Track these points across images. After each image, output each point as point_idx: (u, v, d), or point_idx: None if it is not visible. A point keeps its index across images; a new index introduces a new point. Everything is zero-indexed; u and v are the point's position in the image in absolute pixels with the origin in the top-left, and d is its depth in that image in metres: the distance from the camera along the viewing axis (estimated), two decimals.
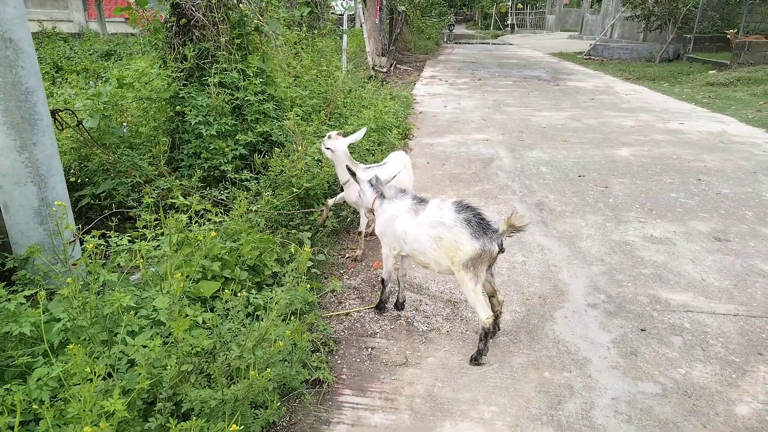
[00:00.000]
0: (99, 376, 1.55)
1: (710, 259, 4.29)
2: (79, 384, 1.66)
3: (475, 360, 3.01)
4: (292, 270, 2.35)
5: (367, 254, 4.41)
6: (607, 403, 2.72)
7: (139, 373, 1.82)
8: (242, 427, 1.59)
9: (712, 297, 3.74)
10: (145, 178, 4.51)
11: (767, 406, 2.70)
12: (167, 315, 1.95)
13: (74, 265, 3.57)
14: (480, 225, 2.84)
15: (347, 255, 4.37)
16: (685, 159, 7.15)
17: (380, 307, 3.53)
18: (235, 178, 4.77)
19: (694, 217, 5.16)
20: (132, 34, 21.80)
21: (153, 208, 4.22)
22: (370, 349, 3.16)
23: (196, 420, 1.69)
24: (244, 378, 1.83)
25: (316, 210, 4.66)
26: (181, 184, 4.47)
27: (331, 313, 3.51)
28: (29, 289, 2.62)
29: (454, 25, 40.73)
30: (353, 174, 3.46)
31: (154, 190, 4.41)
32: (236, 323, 2.24)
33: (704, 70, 16.11)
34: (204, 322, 2.24)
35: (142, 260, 2.46)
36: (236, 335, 2.16)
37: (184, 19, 5.04)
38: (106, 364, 1.79)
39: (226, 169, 4.80)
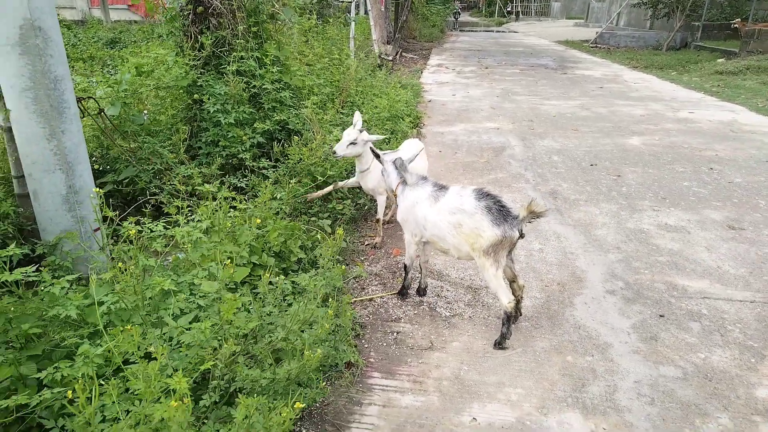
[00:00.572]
0: (163, 354, 1.61)
1: (725, 247, 4.34)
2: (134, 362, 1.73)
3: (499, 344, 3.08)
4: (329, 252, 2.41)
5: (386, 241, 4.47)
6: (630, 386, 2.79)
7: (186, 354, 1.89)
8: (304, 404, 1.65)
9: (729, 284, 3.80)
10: (165, 165, 4.57)
11: None
12: (214, 298, 2.00)
13: (95, 231, 3.65)
14: (500, 212, 2.88)
15: (366, 242, 4.43)
16: (696, 148, 7.17)
17: (403, 293, 3.59)
18: (254, 166, 4.81)
19: (707, 205, 5.21)
20: (135, 22, 21.76)
21: (179, 195, 4.28)
22: (395, 334, 3.23)
23: (246, 398, 1.75)
24: (292, 358, 1.90)
25: (334, 198, 4.71)
26: (200, 172, 4.52)
27: (354, 299, 3.57)
28: (65, 274, 2.69)
29: (459, 13, 39.78)
30: (377, 156, 3.49)
31: (175, 177, 4.47)
32: (273, 306, 2.30)
33: (712, 59, 16.03)
34: (245, 305, 2.30)
35: (179, 244, 2.52)
36: (276, 317, 2.22)
37: (201, 7, 5.05)
38: (162, 344, 1.86)
39: (244, 157, 4.84)
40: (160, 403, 1.52)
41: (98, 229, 3.60)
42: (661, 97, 10.98)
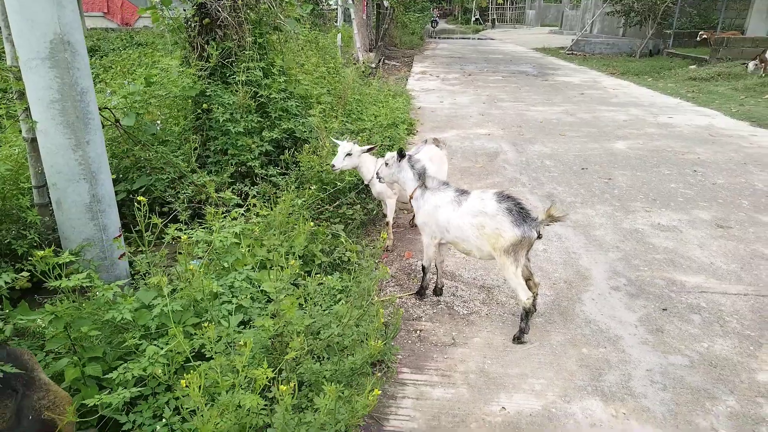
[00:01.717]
0: (249, 348, 1.73)
1: (716, 245, 4.62)
2: (209, 359, 1.84)
3: (518, 339, 3.26)
4: (370, 255, 2.55)
5: (396, 245, 4.62)
6: (643, 374, 3.00)
7: (251, 352, 2.01)
8: (373, 394, 1.78)
9: (722, 279, 4.06)
10: (178, 174, 4.65)
11: None
12: (263, 300, 2.12)
13: (120, 258, 3.73)
14: (520, 214, 3.06)
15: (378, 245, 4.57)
16: (679, 151, 7.52)
17: (421, 293, 3.75)
18: (263, 173, 4.92)
19: (695, 206, 5.50)
20: (112, 29, 21.55)
21: (193, 203, 4.37)
22: (418, 332, 3.38)
23: (308, 389, 1.88)
24: (350, 352, 2.03)
25: (344, 203, 4.85)
26: (212, 180, 4.61)
27: (380, 299, 3.71)
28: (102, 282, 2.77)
29: (437, 22, 39.91)
30: (403, 156, 3.57)
31: (189, 186, 4.56)
32: (323, 305, 2.44)
33: (684, 65, 16.66)
34: (300, 305, 2.43)
35: (215, 249, 2.63)
36: (324, 315, 2.35)
37: (207, 19, 5.16)
38: (223, 343, 1.97)
39: (253, 165, 4.95)
40: (243, 393, 1.64)
41: (120, 235, 3.68)
42: (641, 102, 11.40)
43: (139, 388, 1.97)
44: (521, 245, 3.09)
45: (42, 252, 2.22)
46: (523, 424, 2.62)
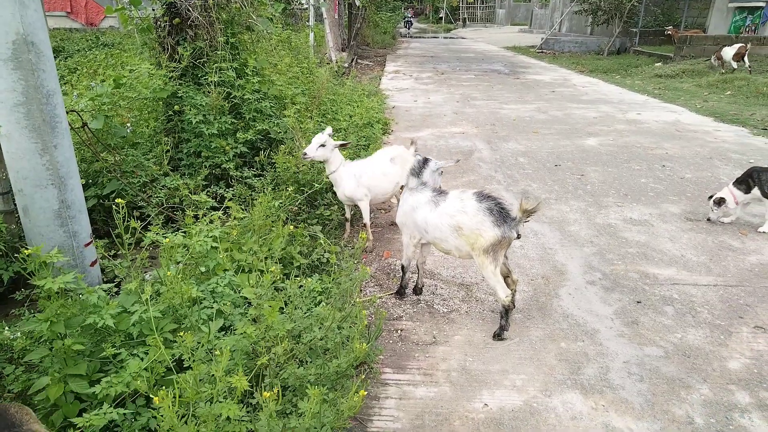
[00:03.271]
0: (226, 357, 1.69)
1: (685, 238, 4.74)
2: (188, 367, 1.80)
3: (498, 336, 3.28)
4: (349, 256, 2.53)
5: (375, 245, 4.61)
6: (620, 366, 3.06)
7: (231, 358, 1.98)
8: (359, 395, 1.77)
9: (693, 270, 4.17)
10: (150, 177, 4.55)
11: (753, 361, 3.10)
12: (243, 305, 2.09)
13: (92, 265, 3.63)
14: (501, 213, 3.07)
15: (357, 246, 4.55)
16: (647, 147, 7.70)
17: (400, 293, 3.75)
18: (238, 175, 4.85)
19: (665, 200, 5.64)
20: (76, 30, 20.98)
21: (165, 207, 4.28)
22: (399, 331, 3.38)
23: (292, 393, 1.86)
24: (333, 356, 2.01)
25: (321, 204, 4.82)
26: (185, 183, 4.53)
27: (359, 300, 3.69)
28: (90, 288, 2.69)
29: (411, 22, 37.51)
30: (426, 160, 3.53)
31: (161, 189, 4.46)
32: (303, 308, 2.41)
33: (650, 63, 17.09)
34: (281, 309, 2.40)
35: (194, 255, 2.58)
36: (306, 319, 2.33)
37: (177, 19, 5.06)
38: (203, 349, 1.93)
39: (227, 167, 4.88)
40: (220, 402, 1.61)
41: (91, 242, 3.58)
42: (610, 99, 11.65)
43: (124, 410, 1.92)
44: (501, 245, 3.11)
45: (29, 249, 2.16)
46: (506, 420, 2.64)
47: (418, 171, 3.47)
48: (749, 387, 2.88)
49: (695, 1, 21.36)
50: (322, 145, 4.19)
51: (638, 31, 20.95)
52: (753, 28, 17.50)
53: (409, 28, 36.74)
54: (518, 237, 3.13)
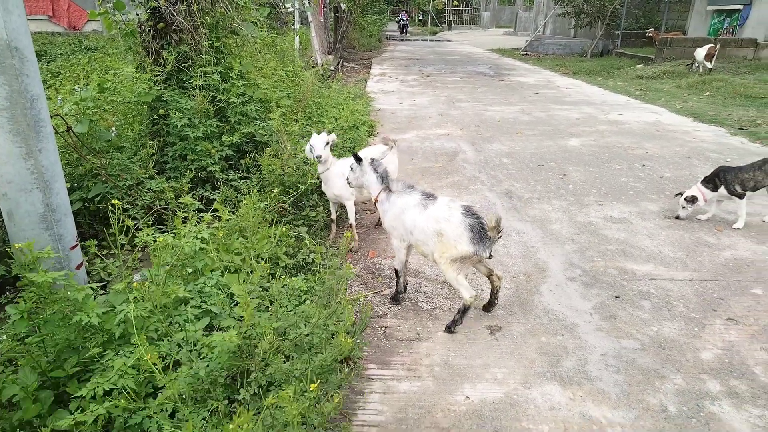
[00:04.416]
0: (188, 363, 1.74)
1: (663, 235, 4.87)
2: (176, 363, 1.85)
3: (449, 329, 3.39)
4: (334, 255, 2.59)
5: (361, 245, 4.67)
6: (598, 358, 3.15)
7: (216, 358, 2.03)
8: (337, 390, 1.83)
9: (670, 266, 4.29)
10: (135, 181, 4.57)
11: (725, 351, 3.21)
12: (243, 301, 2.12)
13: (78, 268, 3.65)
14: (480, 233, 3.13)
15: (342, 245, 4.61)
16: (628, 147, 7.86)
17: (396, 299, 3.76)
18: (224, 178, 4.89)
19: (644, 198, 5.78)
20: (59, 33, 20.80)
21: (151, 211, 4.31)
22: (383, 328, 3.45)
23: (278, 388, 1.92)
24: (317, 351, 2.07)
25: (307, 205, 4.87)
26: (171, 186, 4.56)
27: (346, 298, 3.75)
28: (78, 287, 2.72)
29: (407, 25, 36.97)
30: (359, 160, 3.61)
31: (146, 192, 4.49)
32: (288, 307, 2.47)
33: (632, 64, 17.37)
34: (264, 305, 2.45)
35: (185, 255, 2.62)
36: (291, 316, 2.38)
37: (162, 23, 5.09)
38: (186, 349, 1.98)
39: (213, 169, 4.91)
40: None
41: (76, 245, 3.60)
42: (592, 101, 11.83)
43: (115, 402, 1.95)
44: (470, 260, 3.21)
45: (22, 244, 2.20)
46: (487, 411, 2.72)
47: (383, 175, 3.54)
48: (720, 376, 2.99)
49: (675, 4, 21.76)
50: (327, 143, 4.25)
51: (620, 33, 21.29)
52: (731, 30, 17.88)
53: (404, 32, 36.05)
54: (490, 257, 3.20)
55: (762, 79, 12.99)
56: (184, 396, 1.94)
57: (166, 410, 2.01)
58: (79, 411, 1.90)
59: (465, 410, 2.73)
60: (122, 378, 2.04)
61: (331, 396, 1.82)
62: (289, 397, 1.66)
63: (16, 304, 2.39)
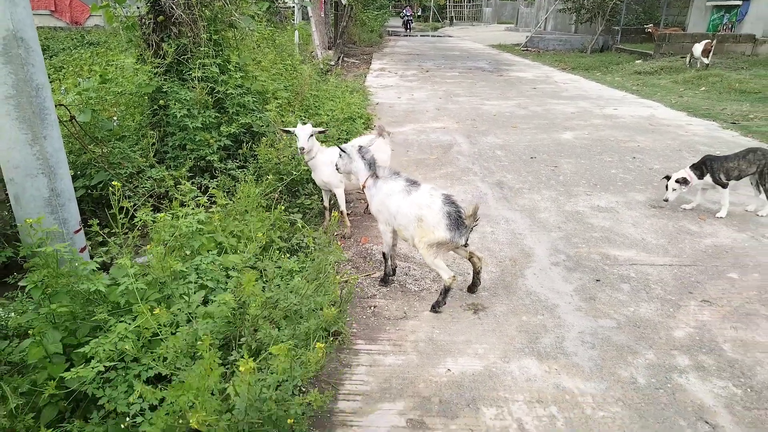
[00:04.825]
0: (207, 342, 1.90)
1: (648, 223, 5.02)
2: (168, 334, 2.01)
3: (434, 308, 3.57)
4: (323, 232, 2.75)
5: (353, 232, 4.83)
6: (575, 336, 3.31)
7: (214, 322, 2.20)
8: (320, 347, 1.99)
9: (651, 252, 4.44)
10: (136, 169, 4.73)
11: (697, 330, 3.37)
12: (226, 277, 2.29)
13: (81, 251, 3.82)
14: (457, 221, 3.31)
15: (336, 233, 4.77)
16: (621, 140, 7.99)
17: (385, 281, 3.93)
18: (222, 167, 5.05)
19: (632, 189, 5.92)
20: (61, 28, 20.95)
21: (152, 197, 4.48)
22: (372, 308, 3.61)
23: (267, 353, 2.08)
24: (307, 319, 2.23)
25: (302, 193, 5.03)
26: (171, 174, 4.72)
27: (337, 279, 3.91)
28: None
29: (411, 20, 36.70)
30: (343, 150, 3.79)
31: (147, 180, 4.65)
32: (281, 282, 2.63)
33: (631, 60, 17.46)
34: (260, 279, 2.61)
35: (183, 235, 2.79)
36: (284, 291, 2.54)
37: (162, 16, 5.24)
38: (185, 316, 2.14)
39: (211, 159, 5.07)
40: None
41: (80, 229, 3.77)
42: (589, 95, 11.95)
43: (113, 362, 2.12)
44: (446, 246, 3.40)
45: (32, 219, 2.36)
46: (466, 382, 2.88)
47: (371, 162, 3.71)
48: (690, 352, 3.14)
49: (675, 0, 21.81)
50: (311, 135, 4.42)
51: (620, 29, 21.34)
52: (730, 26, 17.93)
53: (408, 28, 35.74)
54: (465, 245, 3.38)
55: (758, 74, 13.09)
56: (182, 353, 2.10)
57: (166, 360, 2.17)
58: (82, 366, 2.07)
59: (446, 381, 2.90)
60: (122, 341, 2.21)
61: (313, 347, 1.97)
62: (281, 351, 1.82)
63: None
